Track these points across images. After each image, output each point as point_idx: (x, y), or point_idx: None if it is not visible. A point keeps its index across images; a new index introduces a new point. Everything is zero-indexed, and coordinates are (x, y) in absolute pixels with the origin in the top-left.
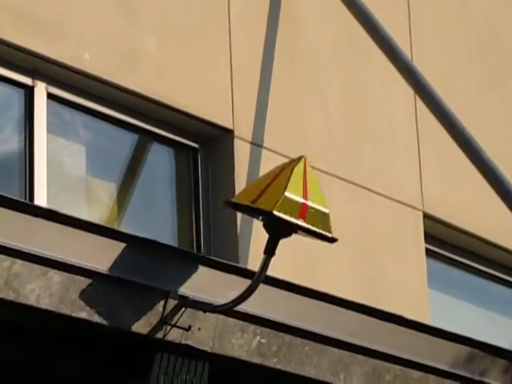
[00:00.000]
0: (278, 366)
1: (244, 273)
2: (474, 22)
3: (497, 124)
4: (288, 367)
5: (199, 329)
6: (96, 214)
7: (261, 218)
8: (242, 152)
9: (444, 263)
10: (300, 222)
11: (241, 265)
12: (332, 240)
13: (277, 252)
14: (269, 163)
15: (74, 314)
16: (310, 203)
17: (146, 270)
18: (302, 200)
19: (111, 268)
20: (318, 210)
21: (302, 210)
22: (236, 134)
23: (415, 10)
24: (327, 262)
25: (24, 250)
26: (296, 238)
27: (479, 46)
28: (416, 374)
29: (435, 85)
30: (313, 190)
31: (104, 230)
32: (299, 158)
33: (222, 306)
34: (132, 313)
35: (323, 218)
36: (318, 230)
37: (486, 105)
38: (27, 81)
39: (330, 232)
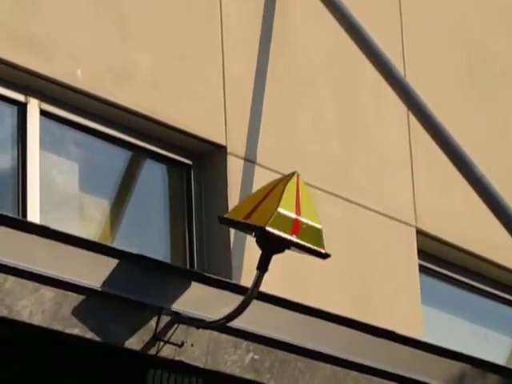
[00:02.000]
0: (272, 382)
1: (237, 289)
2: (467, 36)
3: (490, 138)
4: (281, 383)
5: (192, 345)
6: (89, 230)
7: (254, 234)
8: (234, 168)
9: (437, 279)
10: (293, 238)
11: (234, 281)
12: (325, 256)
13: (270, 268)
14: (262, 179)
15: (66, 331)
16: (302, 219)
17: (139, 287)
18: (294, 216)
19: (104, 284)
20: (311, 226)
21: (295, 226)
22: (229, 150)
23: (408, 24)
24: (320, 278)
25: (16, 267)
26: (289, 254)
27: (472, 60)
28: None
29: (428, 99)
30: (306, 205)
31: (97, 247)
32: (292, 174)
33: (215, 322)
34: (125, 329)
35: (316, 234)
36: (310, 246)
37: (478, 119)
38: (20, 97)
39: (322, 248)
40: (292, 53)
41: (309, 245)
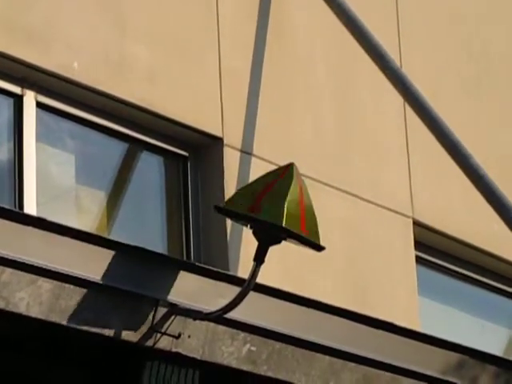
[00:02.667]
0: (269, 374)
1: (234, 280)
2: (465, 27)
3: (487, 129)
4: (278, 374)
5: (189, 336)
6: (85, 222)
7: (249, 225)
8: (231, 160)
9: (434, 270)
10: (303, 234)
11: (230, 272)
12: (320, 248)
13: (266, 259)
14: (258, 171)
15: (63, 323)
16: (306, 213)
17: (136, 278)
18: (300, 210)
19: (101, 276)
20: (311, 219)
21: (302, 221)
22: (225, 141)
23: (404, 15)
24: (317, 270)
25: (13, 259)
26: (285, 245)
27: (469, 51)
28: (406, 380)
29: (425, 91)
30: (305, 198)
31: (93, 238)
32: (290, 166)
33: (211, 313)
34: (122, 321)
35: (313, 227)
36: (308, 238)
37: (476, 110)
38: (16, 89)
39: (318, 240)
40: (289, 44)
41: (307, 237)
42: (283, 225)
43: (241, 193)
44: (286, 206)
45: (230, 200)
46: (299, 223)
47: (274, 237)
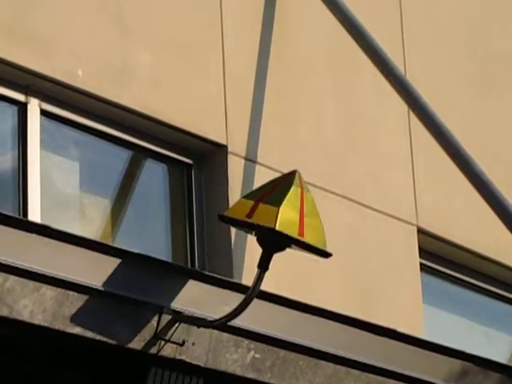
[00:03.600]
0: (273, 381)
1: (238, 287)
2: (468, 31)
3: (491, 135)
4: (282, 382)
5: (193, 344)
6: (89, 229)
7: (254, 232)
8: (235, 167)
9: (438, 278)
10: (300, 238)
11: (235, 280)
12: (326, 255)
13: (270, 266)
14: (263, 178)
15: (67, 330)
16: (306, 218)
17: (140, 285)
18: (299, 215)
19: (105, 283)
20: (314, 225)
21: (301, 226)
22: (230, 149)
23: (408, 20)
24: (321, 277)
25: (17, 266)
26: (290, 253)
27: (473, 55)
28: None
29: (428, 96)
30: (308, 204)
31: (98, 246)
32: (293, 173)
33: (216, 320)
34: (125, 328)
35: (318, 233)
36: (313, 245)
37: (480, 114)
38: (20, 97)
39: (324, 247)
40: (293, 52)
41: (312, 244)
42: (276, 228)
43: (243, 200)
44: (280, 209)
45: (232, 208)
46: (297, 229)
47: (279, 244)
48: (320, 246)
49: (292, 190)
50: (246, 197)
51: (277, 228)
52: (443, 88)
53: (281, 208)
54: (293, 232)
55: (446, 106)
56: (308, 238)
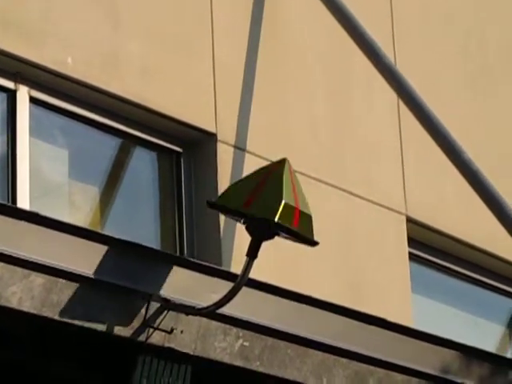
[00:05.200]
0: (261, 369)
1: (226, 276)
2: (460, 24)
3: (483, 126)
4: (271, 370)
5: (182, 332)
6: (78, 217)
7: (243, 220)
8: (224, 156)
9: (427, 267)
10: (295, 229)
11: (223, 268)
12: (314, 243)
13: (259, 255)
14: (252, 167)
15: (55, 317)
16: (300, 208)
17: (129, 273)
18: (294, 205)
19: (93, 271)
20: (305, 214)
21: (296, 216)
22: (219, 137)
23: (398, 11)
24: (310, 265)
25: (6, 253)
26: (279, 241)
27: (465, 48)
28: (399, 377)
29: (419, 87)
30: (299, 193)
31: (86, 233)
32: (282, 161)
33: (204, 308)
34: (114, 315)
35: (307, 222)
36: (301, 234)
37: (471, 108)
38: (9, 84)
39: (312, 235)
40: (283, 41)
41: (302, 233)
42: (276, 220)
43: (233, 188)
44: (283, 202)
45: (222, 195)
46: (292, 219)
47: (267, 232)
48: (308, 235)
49: (285, 180)
50: (237, 184)
51: (277, 220)
52: (434, 81)
53: (283, 200)
54: (289, 223)
55: (437, 99)
56: (299, 228)
